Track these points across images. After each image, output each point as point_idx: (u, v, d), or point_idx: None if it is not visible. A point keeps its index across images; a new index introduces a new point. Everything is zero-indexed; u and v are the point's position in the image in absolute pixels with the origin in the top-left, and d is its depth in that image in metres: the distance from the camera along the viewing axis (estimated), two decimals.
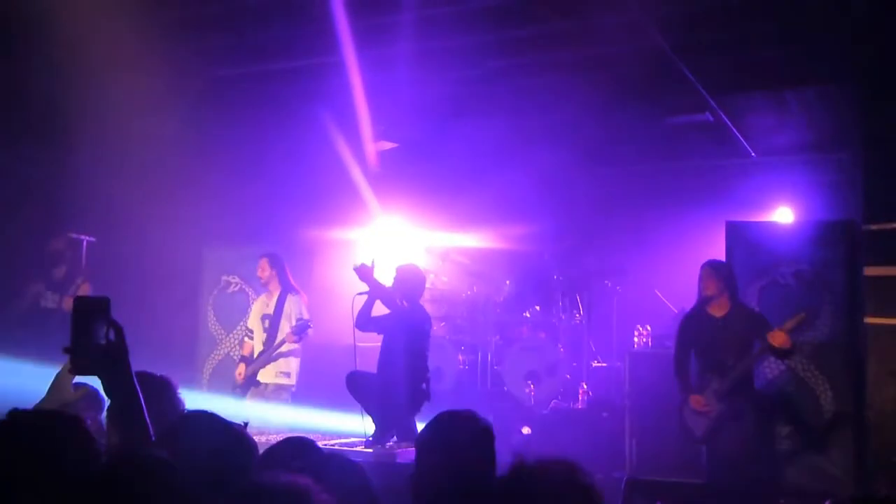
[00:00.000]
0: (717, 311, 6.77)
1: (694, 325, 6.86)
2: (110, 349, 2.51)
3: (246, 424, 2.81)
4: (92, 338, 2.49)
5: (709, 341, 6.73)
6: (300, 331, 8.31)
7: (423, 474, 3.12)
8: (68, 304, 8.04)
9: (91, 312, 2.51)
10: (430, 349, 7.17)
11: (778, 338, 6.41)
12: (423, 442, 3.18)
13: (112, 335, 2.51)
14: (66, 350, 2.50)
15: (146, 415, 2.58)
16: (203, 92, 8.65)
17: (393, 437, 6.89)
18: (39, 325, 7.86)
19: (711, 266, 6.90)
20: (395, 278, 7.21)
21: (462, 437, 3.12)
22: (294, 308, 8.47)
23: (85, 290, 8.27)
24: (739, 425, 6.54)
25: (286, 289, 8.51)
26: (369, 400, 6.95)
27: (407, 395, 6.82)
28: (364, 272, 6.98)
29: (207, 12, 7.41)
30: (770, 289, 7.80)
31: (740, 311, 6.77)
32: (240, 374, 8.47)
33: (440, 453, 3.07)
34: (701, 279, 6.85)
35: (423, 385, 6.97)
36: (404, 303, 7.14)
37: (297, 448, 2.83)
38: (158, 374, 3.54)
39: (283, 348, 8.35)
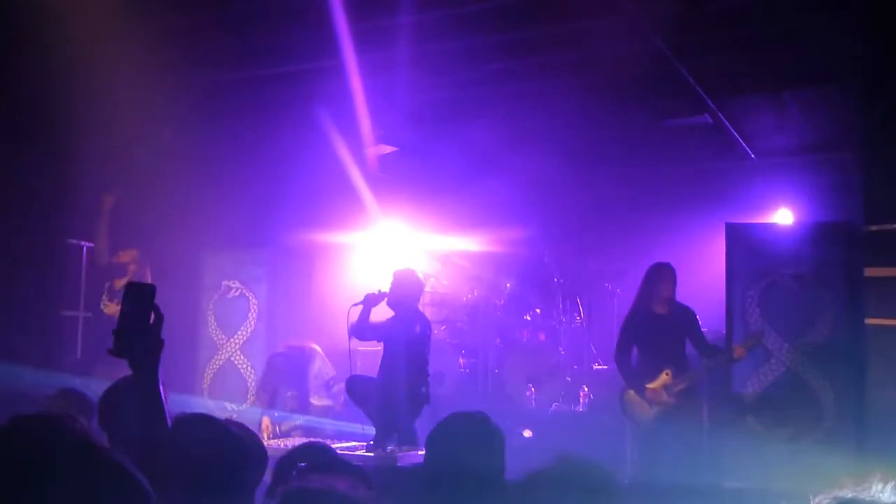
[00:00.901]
0: (661, 308, 7.30)
1: (639, 322, 7.32)
2: (149, 336, 2.56)
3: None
4: (137, 322, 2.55)
5: (655, 337, 7.23)
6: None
7: (432, 472, 3.11)
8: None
9: (140, 298, 2.58)
10: (430, 353, 7.17)
11: (738, 352, 7.09)
12: (434, 440, 3.16)
13: (153, 322, 2.57)
14: (114, 332, 2.55)
15: (165, 405, 2.60)
16: (202, 97, 8.65)
17: (394, 440, 6.89)
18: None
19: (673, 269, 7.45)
20: (392, 283, 7.22)
21: (474, 438, 3.12)
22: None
23: (129, 254, 8.43)
24: (689, 422, 7.09)
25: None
26: (369, 404, 6.96)
27: (407, 399, 6.83)
28: (375, 300, 7.11)
29: (207, 17, 7.42)
30: (771, 290, 7.79)
31: (678, 308, 7.37)
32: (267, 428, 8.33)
33: (452, 452, 3.06)
34: (664, 280, 7.37)
35: (423, 389, 6.97)
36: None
37: (315, 452, 2.83)
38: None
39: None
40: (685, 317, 7.35)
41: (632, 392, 7.21)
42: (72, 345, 8.61)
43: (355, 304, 7.09)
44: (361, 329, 7.15)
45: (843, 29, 6.90)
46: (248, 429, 2.77)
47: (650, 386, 7.12)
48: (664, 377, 7.11)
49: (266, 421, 8.20)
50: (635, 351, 7.39)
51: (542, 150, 9.56)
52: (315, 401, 8.25)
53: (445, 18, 7.11)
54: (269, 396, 8.24)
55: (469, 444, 3.10)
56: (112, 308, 8.38)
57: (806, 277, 7.74)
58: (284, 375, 8.31)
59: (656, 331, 7.26)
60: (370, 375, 7.16)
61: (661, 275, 7.38)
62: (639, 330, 7.33)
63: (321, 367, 8.38)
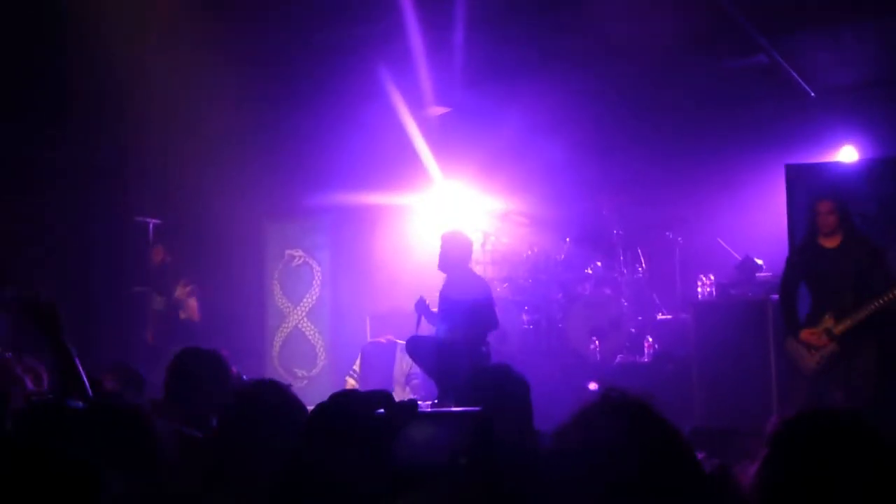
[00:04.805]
0: (829, 242, 6.51)
1: (804, 257, 6.62)
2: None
3: None
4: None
5: (821, 274, 6.50)
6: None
7: None
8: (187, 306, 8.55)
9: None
10: (493, 310, 7.21)
11: None
12: (459, 398, 3.25)
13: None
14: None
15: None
16: (260, 64, 8.74)
17: (452, 400, 6.98)
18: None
19: (828, 198, 6.56)
20: (441, 246, 7.25)
21: (498, 390, 3.18)
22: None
23: (184, 288, 8.69)
24: (856, 368, 6.32)
25: None
26: (430, 364, 7.04)
27: (465, 359, 6.89)
28: (422, 307, 7.23)
29: None
30: None
31: (855, 242, 6.48)
32: None
33: (477, 405, 3.12)
34: (819, 214, 6.52)
35: (483, 348, 7.02)
36: None
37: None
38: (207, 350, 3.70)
39: None
40: (860, 250, 6.47)
41: (790, 338, 6.57)
42: (142, 319, 8.89)
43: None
44: (415, 341, 7.21)
45: None
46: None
47: (808, 331, 6.47)
48: (827, 321, 6.39)
49: (350, 381, 8.81)
50: (805, 290, 6.65)
51: (596, 103, 9.48)
52: (397, 393, 8.53)
53: None
54: (359, 385, 8.77)
55: (493, 395, 3.16)
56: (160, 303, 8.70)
57: (872, 215, 7.55)
58: (372, 367, 8.86)
59: (821, 267, 6.52)
60: (431, 336, 7.24)
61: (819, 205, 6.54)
62: (802, 267, 6.62)
63: (404, 360, 8.65)
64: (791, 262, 6.78)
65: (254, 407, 2.68)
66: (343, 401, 2.46)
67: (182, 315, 8.66)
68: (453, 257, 7.21)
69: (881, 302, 6.26)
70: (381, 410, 2.33)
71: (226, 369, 3.72)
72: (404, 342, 8.69)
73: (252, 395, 2.75)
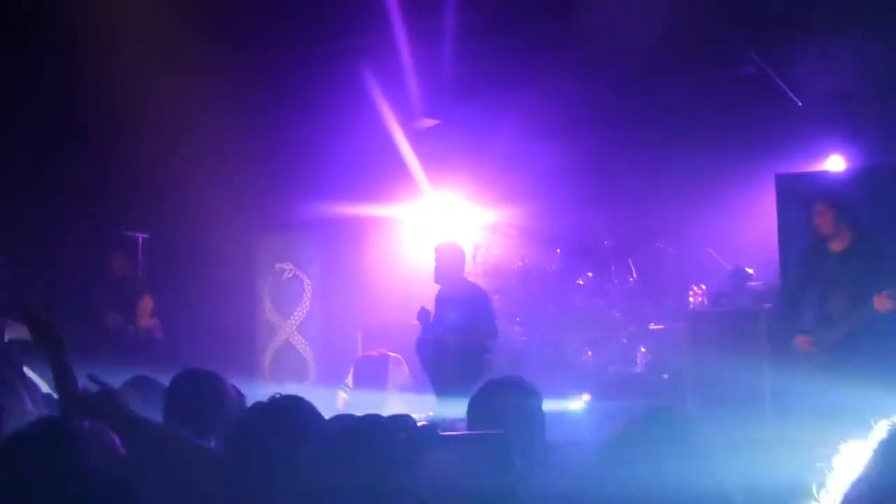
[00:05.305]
0: (836, 246, 6.32)
1: (810, 262, 6.47)
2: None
3: None
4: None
5: (823, 279, 6.32)
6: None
7: None
8: (142, 321, 8.27)
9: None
10: (491, 319, 7.25)
11: (882, 303, 5.97)
12: (473, 411, 3.22)
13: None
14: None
15: None
16: (250, 76, 8.72)
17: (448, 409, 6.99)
18: (107, 345, 7.87)
19: (822, 200, 6.41)
20: (436, 258, 7.31)
21: (510, 403, 3.16)
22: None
23: (147, 304, 8.43)
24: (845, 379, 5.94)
25: None
26: (436, 367, 7.07)
27: (459, 369, 6.90)
28: (424, 317, 7.30)
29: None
30: None
31: (862, 246, 6.27)
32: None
33: (490, 420, 3.10)
34: (815, 215, 6.38)
35: (486, 355, 7.05)
36: None
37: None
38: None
39: None
40: (865, 254, 6.25)
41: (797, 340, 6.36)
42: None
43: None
44: (422, 341, 7.26)
45: None
46: None
47: (802, 337, 6.31)
48: (823, 328, 6.25)
49: (342, 395, 8.80)
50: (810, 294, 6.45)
51: (585, 114, 9.52)
52: (390, 406, 8.52)
53: None
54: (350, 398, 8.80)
55: (506, 407, 3.14)
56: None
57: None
58: (364, 380, 8.83)
59: (824, 272, 6.33)
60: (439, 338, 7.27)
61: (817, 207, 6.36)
62: (807, 272, 6.47)
63: (397, 373, 8.61)
64: (798, 267, 6.73)
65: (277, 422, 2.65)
66: (366, 425, 2.45)
67: (143, 332, 8.32)
68: (448, 269, 7.25)
69: (865, 311, 6.05)
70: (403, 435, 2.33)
71: (224, 390, 3.67)
72: (397, 355, 8.73)
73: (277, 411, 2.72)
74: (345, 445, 2.36)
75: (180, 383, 3.70)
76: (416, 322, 7.31)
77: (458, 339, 6.96)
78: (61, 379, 3.33)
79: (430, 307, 7.39)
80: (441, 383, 7.02)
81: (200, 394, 3.61)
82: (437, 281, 7.35)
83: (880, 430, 1.86)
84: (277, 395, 2.82)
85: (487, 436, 2.59)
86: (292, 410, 2.73)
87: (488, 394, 3.29)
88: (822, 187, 7.57)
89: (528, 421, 3.21)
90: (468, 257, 9.33)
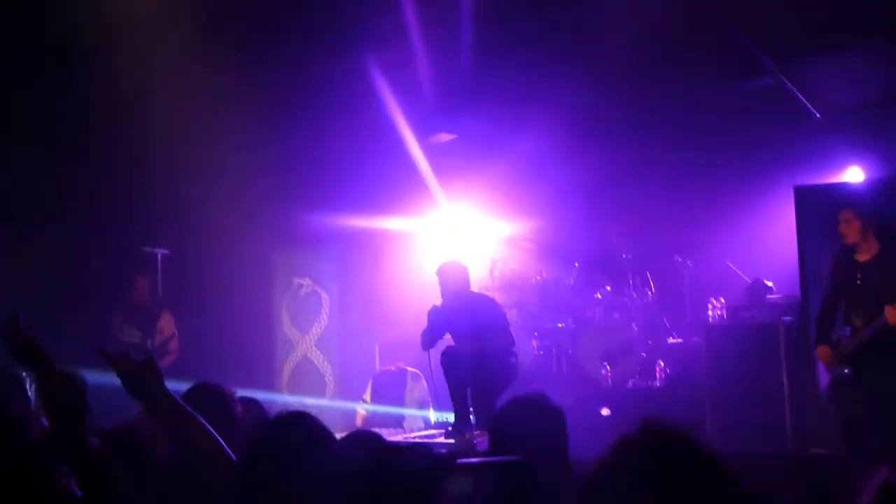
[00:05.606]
0: (863, 255, 6.23)
1: (839, 272, 6.37)
2: None
3: None
4: None
5: (852, 289, 6.22)
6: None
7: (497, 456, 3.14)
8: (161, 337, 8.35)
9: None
10: (505, 331, 7.27)
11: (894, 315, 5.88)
12: (495, 429, 3.20)
13: None
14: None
15: None
16: (267, 92, 8.76)
17: (469, 425, 6.98)
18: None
19: (848, 207, 6.31)
20: (439, 280, 7.36)
21: (533, 421, 3.15)
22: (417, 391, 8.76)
23: (168, 320, 8.52)
24: (860, 392, 6.04)
25: None
26: (461, 375, 7.08)
27: (476, 383, 6.92)
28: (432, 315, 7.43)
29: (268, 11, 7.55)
30: None
31: (890, 257, 6.14)
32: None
33: (513, 439, 3.09)
34: (839, 223, 6.28)
35: (512, 359, 7.09)
36: None
37: (363, 441, 2.89)
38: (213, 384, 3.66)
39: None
40: (889, 263, 6.11)
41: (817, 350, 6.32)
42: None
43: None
44: (431, 337, 7.28)
45: None
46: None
47: (822, 348, 6.28)
48: (844, 340, 6.19)
49: (360, 411, 8.86)
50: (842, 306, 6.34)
51: (602, 126, 9.50)
52: (409, 420, 8.56)
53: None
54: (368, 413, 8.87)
55: (530, 425, 3.12)
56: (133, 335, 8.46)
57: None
58: (382, 395, 8.89)
59: (852, 282, 6.24)
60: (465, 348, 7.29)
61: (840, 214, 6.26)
62: (837, 283, 6.36)
63: (415, 388, 8.65)
64: (829, 277, 6.59)
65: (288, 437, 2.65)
66: (385, 456, 2.43)
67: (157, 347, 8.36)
68: (452, 287, 7.36)
69: (880, 323, 5.97)
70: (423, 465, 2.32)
71: (231, 405, 3.65)
72: (415, 370, 8.74)
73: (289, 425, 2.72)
74: (364, 479, 2.34)
75: (189, 398, 3.69)
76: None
77: (474, 344, 7.01)
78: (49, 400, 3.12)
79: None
80: (460, 390, 7.06)
81: (208, 408, 3.60)
82: (443, 300, 7.45)
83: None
84: (283, 412, 2.82)
85: (507, 463, 2.56)
86: (299, 427, 2.72)
87: (510, 414, 3.27)
88: (847, 196, 7.49)
89: (551, 443, 3.18)
90: (484, 272, 9.37)
